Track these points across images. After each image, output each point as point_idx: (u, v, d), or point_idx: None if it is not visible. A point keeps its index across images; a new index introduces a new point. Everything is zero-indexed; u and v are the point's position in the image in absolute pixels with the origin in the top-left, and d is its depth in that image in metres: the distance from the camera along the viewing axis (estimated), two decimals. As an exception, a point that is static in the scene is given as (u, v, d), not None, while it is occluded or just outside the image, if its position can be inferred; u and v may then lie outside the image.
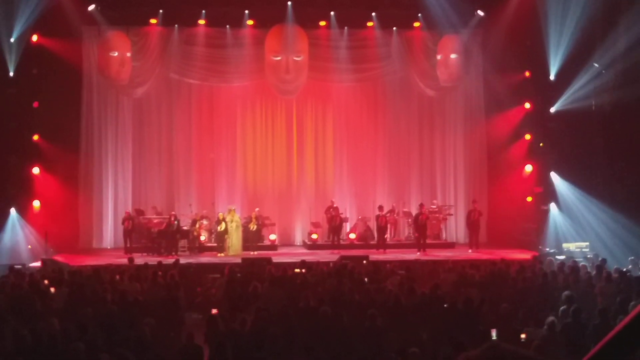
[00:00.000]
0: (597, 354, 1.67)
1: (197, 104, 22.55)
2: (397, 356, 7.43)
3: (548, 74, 20.48)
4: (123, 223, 20.11)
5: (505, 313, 9.50)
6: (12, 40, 19.30)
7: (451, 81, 22.49)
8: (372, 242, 21.06)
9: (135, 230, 20.22)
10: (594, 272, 13.08)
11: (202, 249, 20.22)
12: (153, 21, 21.41)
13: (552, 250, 18.62)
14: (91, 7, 20.67)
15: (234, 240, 19.63)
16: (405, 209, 22.22)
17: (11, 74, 19.46)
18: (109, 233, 21.91)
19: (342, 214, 20.97)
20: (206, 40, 21.88)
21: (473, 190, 22.76)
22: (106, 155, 22.05)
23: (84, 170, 21.87)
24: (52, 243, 19.08)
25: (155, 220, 20.71)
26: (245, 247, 19.82)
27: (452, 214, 22.54)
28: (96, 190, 21.92)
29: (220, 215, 19.97)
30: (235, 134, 22.65)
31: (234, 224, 19.67)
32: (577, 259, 16.07)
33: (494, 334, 8.49)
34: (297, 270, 13.79)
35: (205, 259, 18.90)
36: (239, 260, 16.75)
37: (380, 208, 20.54)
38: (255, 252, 19.63)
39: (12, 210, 19.43)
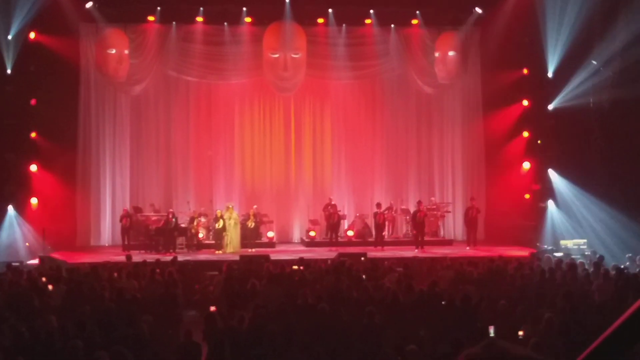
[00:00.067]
0: (594, 351, 1.67)
1: (195, 101, 22.53)
2: (395, 353, 7.43)
3: (546, 72, 20.50)
4: (121, 220, 20.10)
5: (503, 310, 9.51)
6: (9, 37, 19.28)
7: (449, 78, 22.50)
8: (370, 240, 21.07)
9: (133, 227, 20.22)
10: (591, 270, 13.10)
11: (200, 246, 20.21)
12: (151, 18, 21.39)
13: (549, 248, 18.64)
14: (89, 4, 20.65)
15: (233, 237, 19.63)
16: (403, 206, 22.24)
17: (9, 71, 19.45)
18: (107, 230, 21.91)
19: (340, 211, 20.97)
20: (204, 37, 21.85)
21: (471, 188, 22.77)
22: (104, 152, 22.04)
23: (82, 168, 21.86)
24: (49, 240, 19.07)
25: (153, 218, 20.71)
26: (243, 245, 19.83)
27: (450, 211, 22.58)
28: (94, 187, 21.92)
29: (218, 213, 19.97)
30: (233, 131, 22.64)
31: (232, 221, 19.67)
32: (574, 256, 16.10)
33: (491, 331, 8.49)
34: (295, 267, 13.78)
35: (203, 256, 18.91)
36: (237, 258, 16.75)
37: (378, 205, 20.55)
38: (253, 250, 19.64)
39: (10, 208, 19.42)
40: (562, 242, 18.73)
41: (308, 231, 21.57)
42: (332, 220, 20.51)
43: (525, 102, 21.61)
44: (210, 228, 20.60)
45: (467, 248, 20.12)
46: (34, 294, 10.83)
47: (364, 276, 12.80)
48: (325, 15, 21.95)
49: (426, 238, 20.51)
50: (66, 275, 13.08)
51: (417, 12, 21.91)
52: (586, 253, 17.08)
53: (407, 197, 22.74)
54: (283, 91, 22.33)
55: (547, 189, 20.98)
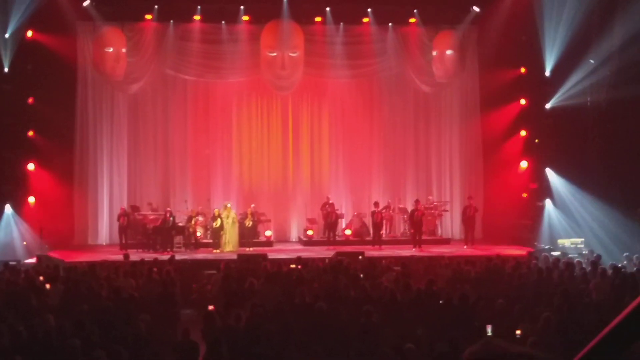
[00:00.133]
0: (592, 349, 1.67)
1: (192, 100, 22.51)
2: (393, 352, 7.44)
3: (543, 70, 20.53)
4: (118, 219, 20.07)
5: (500, 309, 9.52)
6: (6, 36, 19.24)
7: (447, 77, 22.51)
8: (367, 238, 21.06)
9: (130, 226, 20.19)
10: (589, 268, 13.13)
11: (197, 245, 20.19)
12: (148, 17, 21.35)
13: (547, 247, 18.65)
14: (86, 3, 20.60)
15: (231, 236, 19.62)
16: (400, 205, 22.25)
17: (6, 69, 19.42)
18: (105, 229, 21.88)
19: (337, 210, 20.98)
20: (202, 36, 21.82)
21: (468, 187, 22.78)
22: (101, 151, 22.01)
23: (79, 167, 21.84)
24: (47, 239, 19.05)
25: (151, 217, 20.68)
26: (241, 244, 19.82)
27: (447, 210, 22.59)
28: (91, 186, 21.89)
29: (216, 212, 19.96)
30: (230, 130, 22.63)
31: (229, 220, 19.66)
32: (572, 255, 16.12)
33: (489, 329, 8.50)
34: (292, 266, 13.81)
35: (200, 255, 18.91)
36: (234, 257, 16.76)
37: (376, 204, 20.56)
38: (251, 249, 19.65)
39: (7, 207, 19.38)
40: (560, 241, 18.74)
41: (306, 230, 21.57)
42: (330, 219, 20.52)
43: (522, 101, 21.62)
44: (208, 227, 20.59)
45: (465, 247, 20.13)
46: (32, 293, 10.82)
47: (361, 275, 12.81)
48: (322, 13, 21.94)
49: (424, 237, 20.50)
50: (64, 274, 13.07)
51: (415, 10, 21.91)
52: (583, 252, 17.10)
53: (404, 196, 22.74)
54: (281, 90, 22.32)
55: (544, 188, 21.00)
